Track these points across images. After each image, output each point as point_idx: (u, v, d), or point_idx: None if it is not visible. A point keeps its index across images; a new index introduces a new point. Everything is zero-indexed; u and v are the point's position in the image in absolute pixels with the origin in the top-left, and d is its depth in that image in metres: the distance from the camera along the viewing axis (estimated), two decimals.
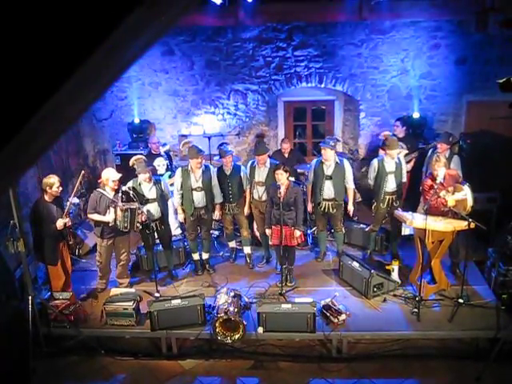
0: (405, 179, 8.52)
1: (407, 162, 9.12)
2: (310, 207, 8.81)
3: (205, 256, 8.80)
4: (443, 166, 7.58)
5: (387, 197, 8.45)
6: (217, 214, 8.58)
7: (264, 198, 8.30)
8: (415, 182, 9.16)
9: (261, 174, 8.36)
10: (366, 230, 9.02)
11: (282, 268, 8.04)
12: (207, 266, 8.80)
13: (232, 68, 10.88)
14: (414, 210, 8.54)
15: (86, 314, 7.62)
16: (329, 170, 8.36)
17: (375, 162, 8.50)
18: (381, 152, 8.94)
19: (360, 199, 10.60)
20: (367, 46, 10.58)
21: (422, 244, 7.53)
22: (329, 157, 8.28)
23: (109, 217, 7.63)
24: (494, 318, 6.97)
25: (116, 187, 7.76)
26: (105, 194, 7.72)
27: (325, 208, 8.50)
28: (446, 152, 8.49)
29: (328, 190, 8.39)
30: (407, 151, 9.39)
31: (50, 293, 7.71)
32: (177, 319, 7.19)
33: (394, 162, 8.35)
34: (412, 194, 9.42)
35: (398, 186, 8.43)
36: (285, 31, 10.60)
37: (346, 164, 8.50)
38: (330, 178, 8.37)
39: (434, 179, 7.62)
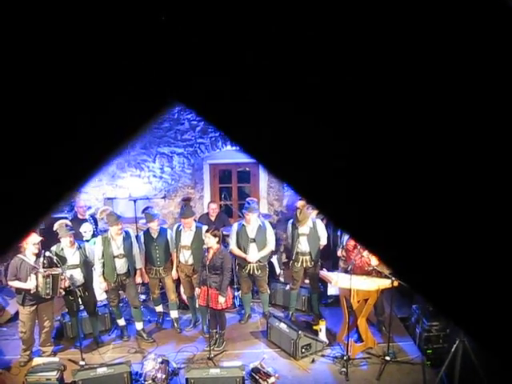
0: (324, 241, 8.70)
1: None
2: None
3: (139, 326, 8.45)
4: None
5: (300, 257, 8.59)
6: (138, 280, 8.44)
7: (190, 261, 8.26)
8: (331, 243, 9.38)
9: (186, 238, 8.33)
10: (287, 288, 9.10)
11: (211, 332, 7.95)
12: (145, 335, 8.41)
13: (157, 131, 10.91)
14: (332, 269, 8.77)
15: None
16: (252, 233, 8.47)
17: (289, 224, 8.80)
18: None
19: (286, 260, 10.67)
20: None
21: (347, 303, 7.63)
22: (252, 220, 8.43)
23: (30, 284, 7.33)
24: (420, 373, 7.08)
25: (37, 251, 7.52)
26: (25, 260, 7.45)
27: (249, 270, 8.56)
28: None
29: (253, 252, 8.49)
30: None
31: None
32: None
33: (308, 226, 8.51)
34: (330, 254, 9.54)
35: (312, 248, 8.55)
36: None
37: (268, 226, 8.69)
38: (254, 240, 8.48)
39: None
